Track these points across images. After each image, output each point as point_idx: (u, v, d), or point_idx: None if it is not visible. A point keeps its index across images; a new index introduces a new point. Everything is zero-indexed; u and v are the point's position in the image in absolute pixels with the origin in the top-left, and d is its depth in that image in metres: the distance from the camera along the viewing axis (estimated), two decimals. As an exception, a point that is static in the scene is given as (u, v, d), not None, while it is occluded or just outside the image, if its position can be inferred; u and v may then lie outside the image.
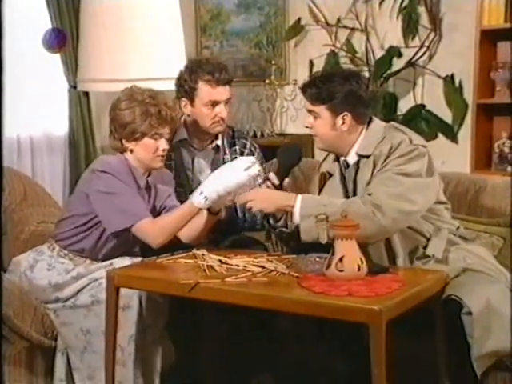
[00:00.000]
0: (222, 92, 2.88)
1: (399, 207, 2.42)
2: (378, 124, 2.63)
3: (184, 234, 2.62)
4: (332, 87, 2.53)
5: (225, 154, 2.98)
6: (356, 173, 2.58)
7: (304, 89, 2.60)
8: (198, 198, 2.50)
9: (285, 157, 2.63)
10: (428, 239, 2.56)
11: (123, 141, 2.65)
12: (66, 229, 2.70)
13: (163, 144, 2.63)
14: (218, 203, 2.55)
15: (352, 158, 2.61)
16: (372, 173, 2.52)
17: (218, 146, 2.98)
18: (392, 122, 2.71)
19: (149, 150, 2.62)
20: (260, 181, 2.51)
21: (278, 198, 2.50)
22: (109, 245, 2.68)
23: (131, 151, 2.65)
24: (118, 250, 2.68)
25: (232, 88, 2.95)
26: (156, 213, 2.68)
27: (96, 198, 2.59)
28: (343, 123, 2.55)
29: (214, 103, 2.87)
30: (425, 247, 2.55)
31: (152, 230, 2.55)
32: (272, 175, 2.57)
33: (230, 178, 2.48)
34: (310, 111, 2.60)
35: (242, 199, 2.48)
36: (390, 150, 2.49)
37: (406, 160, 2.47)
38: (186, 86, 2.89)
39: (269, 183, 2.56)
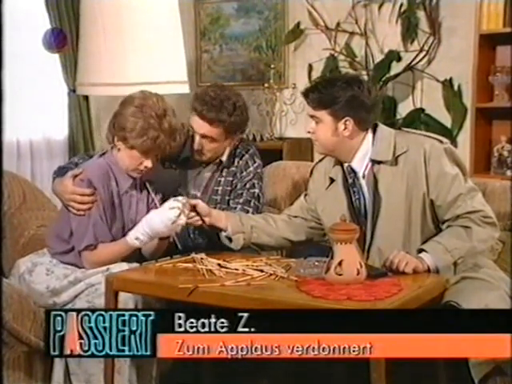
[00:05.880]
0: (201, 125, 2.82)
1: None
2: (386, 129, 2.60)
3: (143, 252, 2.73)
4: (334, 92, 2.50)
5: (224, 168, 2.93)
6: (376, 182, 2.53)
7: (306, 94, 2.57)
8: (131, 239, 2.60)
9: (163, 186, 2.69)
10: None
11: (115, 138, 2.66)
12: (59, 250, 2.70)
13: (148, 163, 2.63)
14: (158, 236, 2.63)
15: (358, 164, 2.57)
16: (408, 185, 2.48)
17: (221, 161, 2.93)
18: (404, 128, 2.70)
19: (133, 161, 2.63)
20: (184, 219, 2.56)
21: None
22: None
23: (119, 150, 2.66)
24: None
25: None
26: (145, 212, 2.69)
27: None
28: (345, 128, 2.51)
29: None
30: None
31: (88, 260, 2.63)
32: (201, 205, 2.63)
33: (159, 226, 2.55)
34: (311, 116, 2.57)
35: (394, 262, 2.39)
36: (425, 156, 2.48)
37: (450, 161, 2.53)
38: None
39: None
